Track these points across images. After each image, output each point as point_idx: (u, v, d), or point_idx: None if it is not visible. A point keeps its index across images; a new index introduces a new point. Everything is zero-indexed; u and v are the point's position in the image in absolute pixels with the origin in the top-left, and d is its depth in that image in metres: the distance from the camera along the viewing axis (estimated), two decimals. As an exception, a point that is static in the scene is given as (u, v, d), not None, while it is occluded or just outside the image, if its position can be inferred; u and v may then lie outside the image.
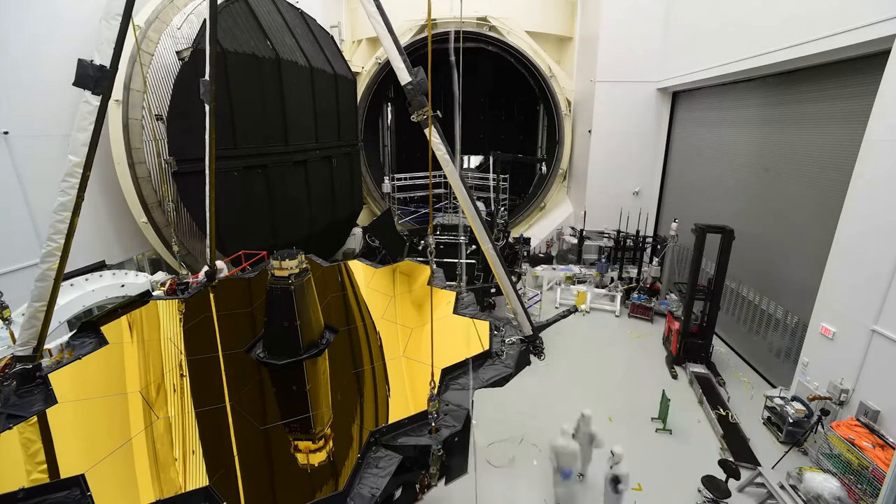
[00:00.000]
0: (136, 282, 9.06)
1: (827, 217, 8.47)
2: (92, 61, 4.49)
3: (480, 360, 5.27)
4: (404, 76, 4.60)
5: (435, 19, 18.03)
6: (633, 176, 17.03)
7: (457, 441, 4.30)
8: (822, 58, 8.71)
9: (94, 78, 4.48)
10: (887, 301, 6.99)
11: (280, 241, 11.15)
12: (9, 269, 8.32)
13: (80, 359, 5.04)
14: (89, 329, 5.58)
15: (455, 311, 6.20)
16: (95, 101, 4.54)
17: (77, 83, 4.47)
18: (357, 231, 17.90)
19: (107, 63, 4.55)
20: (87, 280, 7.64)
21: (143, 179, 9.97)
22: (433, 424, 4.23)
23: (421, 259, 9.92)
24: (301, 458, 4.41)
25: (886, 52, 7.10)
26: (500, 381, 4.98)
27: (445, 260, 12.36)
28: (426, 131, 4.62)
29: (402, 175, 21.70)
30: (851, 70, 8.43)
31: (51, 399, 4.41)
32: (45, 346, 5.09)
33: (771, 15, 9.94)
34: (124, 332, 5.78)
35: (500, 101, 26.48)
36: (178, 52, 9.85)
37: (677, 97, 16.01)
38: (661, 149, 16.59)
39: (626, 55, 15.97)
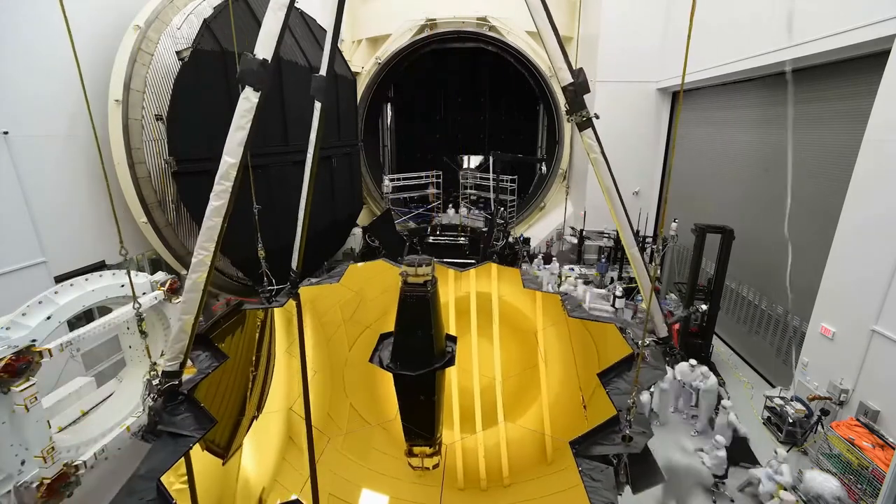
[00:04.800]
0: (136, 282, 9.02)
1: (827, 217, 8.47)
2: (255, 56, 4.23)
3: (626, 363, 5.14)
4: (566, 76, 4.35)
5: (435, 19, 18.02)
6: (633, 176, 17.01)
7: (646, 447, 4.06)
8: (822, 58, 8.71)
9: (256, 73, 4.23)
10: (887, 301, 6.99)
11: (280, 241, 11.12)
12: (9, 270, 8.30)
13: (206, 375, 4.93)
14: (200, 343, 5.39)
15: (570, 315, 6.07)
16: (255, 97, 4.28)
17: (240, 79, 4.21)
18: (357, 231, 17.88)
19: (269, 56, 4.33)
20: (87, 280, 7.60)
21: (143, 179, 9.93)
22: (626, 432, 3.94)
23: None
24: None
25: (886, 52, 7.10)
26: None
27: (445, 260, 12.33)
28: (580, 134, 4.41)
29: (396, 175, 21.64)
30: (851, 70, 8.42)
31: (204, 417, 4.31)
32: (46, 347, 4.95)
33: (771, 15, 9.93)
34: (234, 343, 5.60)
35: (500, 101, 26.45)
36: (178, 52, 9.82)
37: (677, 97, 15.99)
38: (661, 149, 16.58)
39: (626, 55, 15.95)
